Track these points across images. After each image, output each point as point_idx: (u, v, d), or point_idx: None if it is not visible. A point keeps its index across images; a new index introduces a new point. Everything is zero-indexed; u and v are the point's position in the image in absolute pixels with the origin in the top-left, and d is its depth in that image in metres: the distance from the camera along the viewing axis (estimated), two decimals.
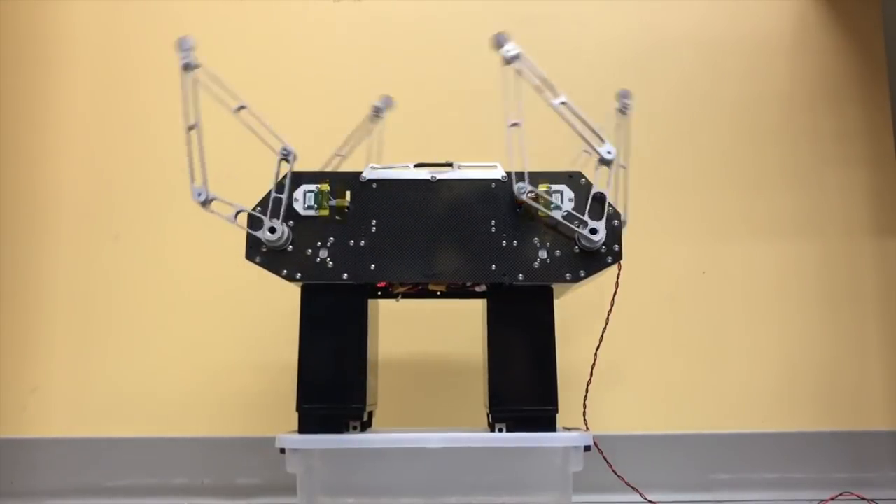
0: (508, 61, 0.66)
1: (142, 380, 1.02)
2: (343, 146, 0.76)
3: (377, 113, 0.73)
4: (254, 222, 0.68)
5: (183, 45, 0.66)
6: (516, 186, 0.67)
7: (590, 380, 0.80)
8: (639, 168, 1.08)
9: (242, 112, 0.69)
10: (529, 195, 0.68)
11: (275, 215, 0.68)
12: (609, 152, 0.68)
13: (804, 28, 1.14)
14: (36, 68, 1.11)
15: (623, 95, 0.71)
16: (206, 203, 0.67)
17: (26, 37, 1.12)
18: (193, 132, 0.67)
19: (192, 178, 0.67)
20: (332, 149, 1.08)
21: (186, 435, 1.00)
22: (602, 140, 0.68)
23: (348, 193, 0.70)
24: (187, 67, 0.65)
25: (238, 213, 0.69)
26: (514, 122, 0.67)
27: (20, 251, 1.06)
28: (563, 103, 0.68)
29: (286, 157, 0.68)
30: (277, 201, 0.69)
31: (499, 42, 0.65)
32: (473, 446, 0.67)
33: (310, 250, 0.68)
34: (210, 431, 1.00)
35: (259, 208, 0.69)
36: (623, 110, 0.70)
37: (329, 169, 0.74)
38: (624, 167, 0.71)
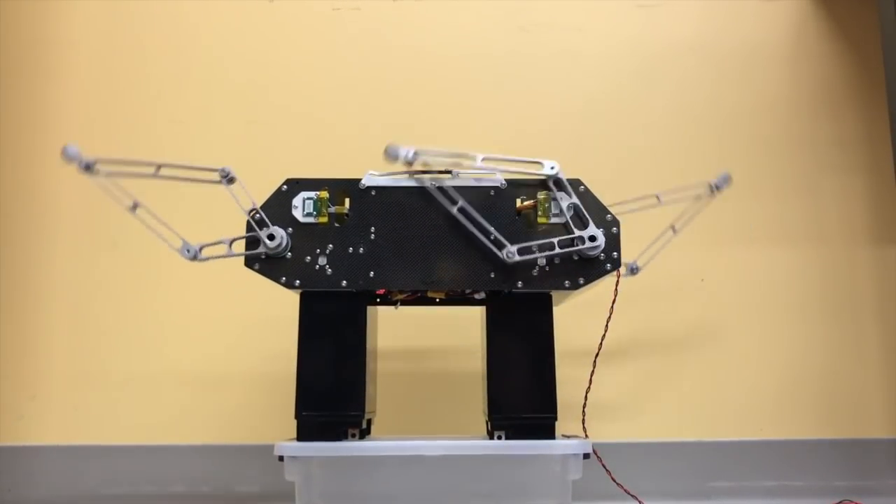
0: (411, 163, 0.65)
1: (140, 387, 1.02)
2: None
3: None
4: (251, 234, 0.68)
5: (69, 154, 0.63)
6: (503, 254, 0.67)
7: (589, 387, 0.80)
8: (637, 173, 1.10)
9: (163, 170, 0.66)
10: (521, 205, 0.68)
11: (265, 225, 0.68)
12: (552, 167, 0.68)
13: (802, 35, 1.14)
14: (35, 72, 1.12)
15: (724, 179, 0.71)
16: (195, 257, 0.67)
17: (25, 41, 1.13)
18: (139, 210, 0.66)
19: (169, 245, 0.67)
20: (332, 154, 1.09)
21: (185, 442, 1.00)
22: (541, 163, 0.68)
23: (347, 200, 0.70)
24: (88, 168, 0.64)
25: (232, 241, 0.68)
26: (457, 208, 0.67)
27: (19, 258, 1.06)
28: (485, 159, 0.67)
29: (227, 177, 0.67)
30: (272, 212, 0.69)
31: (392, 155, 0.64)
32: (472, 454, 0.67)
33: (309, 257, 0.68)
34: (209, 439, 1.00)
35: (258, 215, 0.69)
36: (714, 189, 0.71)
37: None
38: (674, 231, 0.71)
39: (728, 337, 1.05)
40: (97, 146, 1.08)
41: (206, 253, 0.68)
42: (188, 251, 0.67)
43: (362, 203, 0.70)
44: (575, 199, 0.69)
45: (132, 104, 1.11)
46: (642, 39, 1.14)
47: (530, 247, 0.68)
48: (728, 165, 1.09)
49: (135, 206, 0.66)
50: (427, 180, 0.69)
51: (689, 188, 0.72)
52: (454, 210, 0.67)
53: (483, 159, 0.67)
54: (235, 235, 0.69)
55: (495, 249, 0.67)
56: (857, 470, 1.00)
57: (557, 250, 0.68)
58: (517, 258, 0.67)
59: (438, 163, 0.66)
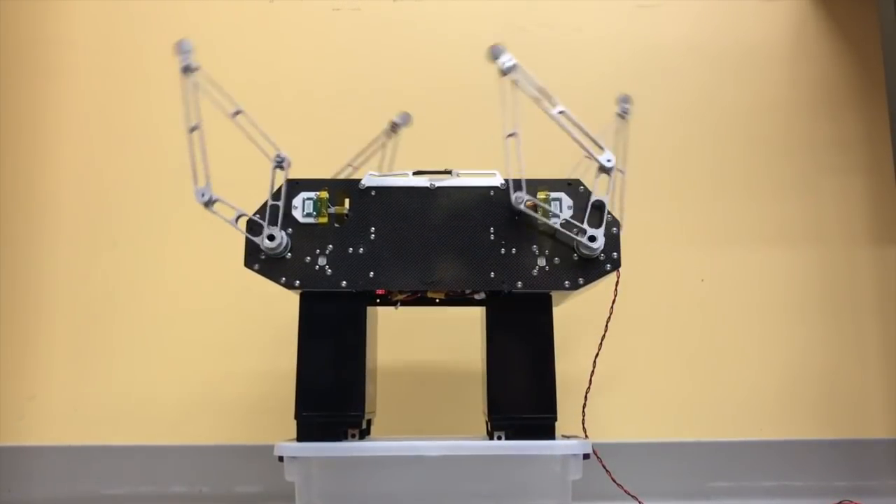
0: (505, 73, 0.66)
1: (140, 387, 1.02)
2: (356, 158, 0.76)
3: (394, 129, 0.73)
4: (253, 229, 0.68)
5: (182, 48, 0.65)
6: (513, 196, 0.67)
7: (588, 387, 0.80)
8: (636, 175, 1.09)
9: (239, 117, 0.68)
10: (527, 203, 0.68)
11: (273, 223, 0.68)
12: (609, 160, 0.68)
13: (802, 35, 1.14)
14: (35, 73, 1.12)
15: (623, 100, 0.71)
16: (208, 204, 0.67)
17: (25, 41, 1.13)
18: (195, 133, 0.67)
19: (195, 180, 0.67)
20: (332, 155, 1.09)
21: (185, 443, 1.00)
22: (602, 148, 0.69)
23: (347, 201, 0.70)
24: (187, 70, 0.65)
25: (239, 217, 0.69)
26: (511, 132, 0.67)
27: (19, 257, 1.06)
28: (561, 112, 0.68)
29: (280, 164, 0.68)
30: (275, 209, 0.68)
31: (495, 54, 0.65)
32: (472, 454, 0.67)
33: (308, 258, 0.68)
34: (208, 439, 1.00)
35: (258, 215, 0.69)
36: (623, 115, 0.71)
37: (342, 177, 0.74)
38: (622, 172, 0.71)
39: (727, 337, 1.05)
40: (97, 145, 1.09)
41: (216, 208, 0.67)
42: (203, 195, 0.67)
43: (362, 203, 0.70)
44: (605, 197, 0.69)
45: (132, 104, 1.11)
46: (642, 39, 1.14)
47: (536, 206, 0.68)
48: (727, 166, 1.10)
49: (193, 129, 0.67)
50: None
51: (604, 130, 0.71)
52: (555, 112, 0.67)
53: (560, 112, 0.68)
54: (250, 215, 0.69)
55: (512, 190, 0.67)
56: (857, 470, 1.00)
57: (559, 228, 0.68)
58: (523, 208, 0.67)
59: (525, 87, 0.66)
